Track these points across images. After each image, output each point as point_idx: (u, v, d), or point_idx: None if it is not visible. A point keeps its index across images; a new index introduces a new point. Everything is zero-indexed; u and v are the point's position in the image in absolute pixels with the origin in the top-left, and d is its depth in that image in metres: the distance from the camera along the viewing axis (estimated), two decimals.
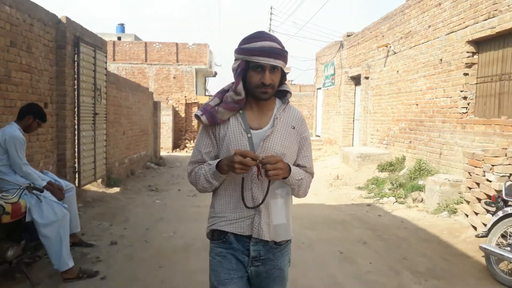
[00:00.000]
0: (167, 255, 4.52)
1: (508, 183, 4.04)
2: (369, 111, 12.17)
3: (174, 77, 26.66)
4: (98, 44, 7.48)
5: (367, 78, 12.34)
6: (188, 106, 19.74)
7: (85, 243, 4.67)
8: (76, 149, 6.47)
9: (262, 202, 1.70)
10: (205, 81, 34.14)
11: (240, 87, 1.70)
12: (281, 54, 1.68)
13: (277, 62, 1.67)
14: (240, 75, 1.71)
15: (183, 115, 19.62)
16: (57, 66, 6.09)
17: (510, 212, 3.81)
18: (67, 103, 6.22)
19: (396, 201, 7.53)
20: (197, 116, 1.77)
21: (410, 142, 9.41)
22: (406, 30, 9.70)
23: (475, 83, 7.31)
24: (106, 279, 3.88)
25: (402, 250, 4.77)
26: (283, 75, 1.77)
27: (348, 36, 14.45)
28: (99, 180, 7.63)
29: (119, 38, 31.79)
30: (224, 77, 49.85)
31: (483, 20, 6.80)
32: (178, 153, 17.72)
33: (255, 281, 1.80)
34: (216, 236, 1.79)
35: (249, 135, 1.74)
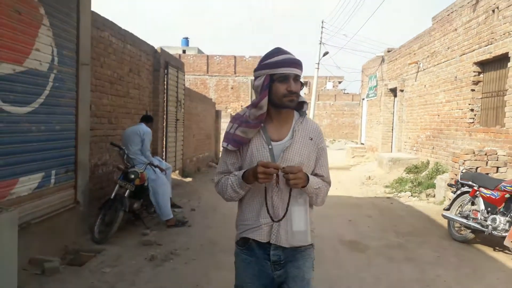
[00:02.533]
0: (229, 217, 6.64)
1: (464, 170, 5.73)
2: (403, 121, 13.69)
3: (232, 88, 29.25)
4: (179, 66, 9.91)
5: (402, 90, 13.88)
6: None
7: (176, 205, 6.95)
8: (164, 146, 8.86)
9: (284, 215, 1.82)
10: None
11: (265, 101, 1.81)
12: (300, 64, 1.84)
13: (298, 72, 1.82)
14: (266, 89, 1.81)
15: None
16: (154, 84, 8.51)
17: (463, 191, 5.51)
18: (159, 111, 8.61)
19: (411, 195, 9.15)
20: (224, 148, 1.92)
21: (433, 148, 10.92)
22: (432, 50, 11.25)
23: (481, 98, 8.81)
24: (192, 227, 6.07)
25: (396, 221, 6.57)
26: (301, 85, 1.89)
27: (389, 51, 16.01)
28: (177, 171, 9.99)
29: (183, 51, 35.05)
30: None
31: (485, 46, 8.35)
32: None
33: (283, 284, 1.90)
34: (241, 242, 1.93)
35: (270, 147, 1.84)
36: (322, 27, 29.85)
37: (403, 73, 13.82)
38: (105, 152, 6.35)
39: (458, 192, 5.61)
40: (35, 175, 4.22)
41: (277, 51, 1.86)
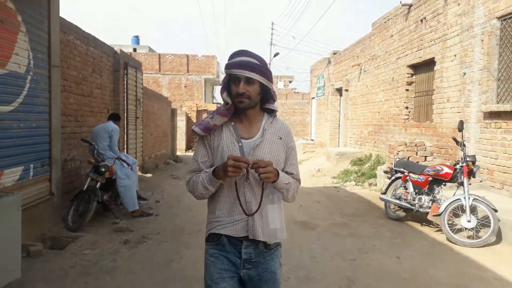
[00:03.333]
0: (193, 206, 7.20)
1: (397, 159, 6.70)
2: (348, 118, 14.82)
3: (185, 86, 29.45)
4: (137, 66, 10.26)
5: (346, 90, 15.01)
6: (199, 112, 22.52)
7: (142, 197, 7.39)
8: (125, 143, 9.20)
9: (258, 209, 1.84)
10: (213, 89, 36.98)
11: (225, 95, 1.89)
12: (257, 68, 1.83)
13: (252, 75, 1.81)
14: (224, 86, 1.90)
15: (194, 120, 22.38)
16: (114, 84, 8.84)
17: (397, 176, 6.45)
18: (120, 109, 8.95)
19: (356, 184, 10.15)
20: (193, 131, 1.96)
21: (375, 142, 12.04)
22: (372, 53, 12.38)
23: (414, 97, 9.96)
24: (159, 216, 6.57)
25: (341, 205, 7.45)
26: (267, 91, 1.92)
27: (334, 53, 17.14)
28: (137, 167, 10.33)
29: (134, 50, 34.61)
30: None
31: (416, 51, 9.47)
32: (190, 153, 20.46)
33: (249, 285, 1.92)
34: (211, 238, 1.93)
35: (240, 144, 1.88)
36: (272, 29, 30.74)
37: (347, 74, 14.93)
38: (73, 148, 6.68)
39: (392, 178, 6.54)
40: (17, 168, 4.57)
41: (238, 52, 1.90)
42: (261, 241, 1.88)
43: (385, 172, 6.92)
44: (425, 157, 7.87)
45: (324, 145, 18.21)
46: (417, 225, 6.03)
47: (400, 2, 9.90)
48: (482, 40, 6.92)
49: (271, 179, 1.78)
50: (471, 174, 5.32)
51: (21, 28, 4.66)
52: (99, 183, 6.00)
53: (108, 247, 4.92)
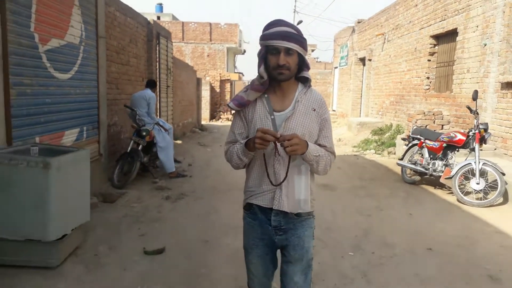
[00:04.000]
0: (222, 170, 7.83)
1: (414, 127, 7.10)
2: (371, 88, 15.04)
3: (208, 55, 29.79)
4: (168, 36, 10.74)
5: (370, 60, 15.15)
6: (222, 82, 22.96)
7: (177, 160, 8.06)
8: (158, 111, 9.82)
9: (284, 179, 1.87)
10: (235, 58, 37.17)
11: (262, 69, 1.87)
12: (295, 38, 1.81)
13: (291, 45, 1.79)
14: (262, 59, 1.87)
15: (218, 90, 22.87)
16: (148, 53, 9.37)
17: (413, 143, 6.86)
18: (153, 78, 9.51)
19: (375, 153, 10.57)
20: (228, 106, 2.01)
21: (396, 112, 12.33)
22: (396, 23, 12.47)
23: (435, 67, 10.17)
24: (192, 177, 7.23)
25: (360, 171, 7.95)
26: (303, 61, 1.89)
27: (359, 22, 17.13)
28: None
29: (158, 18, 34.90)
30: (252, 54, 52.25)
31: (439, 21, 9.61)
32: (214, 123, 21.09)
33: (283, 251, 2.01)
34: (247, 207, 2.04)
35: (272, 117, 1.89)
36: None
37: (371, 44, 15.04)
38: (114, 114, 7.31)
39: (410, 144, 6.97)
40: (74, 130, 5.23)
41: (274, 23, 1.87)
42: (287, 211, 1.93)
43: (403, 139, 7.34)
44: (442, 125, 8.23)
45: (345, 115, 18.48)
46: (430, 188, 6.51)
47: None
48: (504, 12, 7.09)
49: (298, 151, 1.78)
50: (482, 140, 5.71)
51: (75, 1, 5.20)
52: (140, 146, 6.65)
53: (152, 201, 5.60)
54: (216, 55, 29.90)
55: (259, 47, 1.91)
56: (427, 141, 6.51)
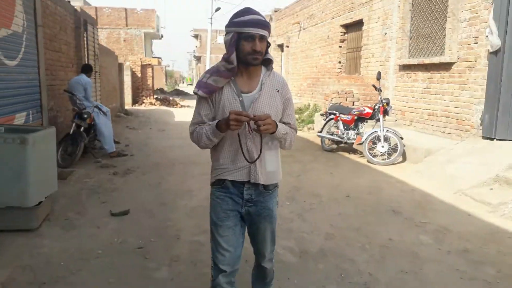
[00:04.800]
0: (160, 149, 8.32)
1: (330, 104, 8.27)
2: (289, 72, 16.25)
3: (124, 40, 29.07)
4: (93, 23, 10.73)
5: (287, 46, 16.32)
6: (143, 67, 22.77)
7: (116, 141, 8.36)
8: None
9: (259, 156, 2.01)
10: (151, 43, 36.54)
11: (234, 56, 1.94)
12: (267, 26, 1.94)
13: (265, 32, 1.93)
14: (234, 45, 1.93)
15: (139, 75, 22.65)
16: (76, 40, 9.39)
17: (330, 118, 8.00)
18: (82, 64, 9.56)
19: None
20: (195, 93, 2.04)
21: (312, 93, 13.63)
22: (310, 12, 13.68)
23: (346, 53, 11.52)
24: (134, 156, 7.64)
25: None
26: (268, 46, 2.01)
27: (276, 11, 18.22)
28: None
29: (68, 2, 32.95)
30: (169, 39, 51.04)
31: (348, 12, 10.91)
32: (137, 107, 20.98)
33: (247, 218, 2.16)
34: (217, 182, 2.14)
35: (240, 98, 2.00)
36: None
37: (288, 31, 16.19)
38: (51, 99, 7.41)
39: (327, 119, 8.10)
40: (22, 113, 5.43)
41: (246, 10, 1.96)
42: (260, 183, 2.08)
43: (322, 114, 8.49)
44: (353, 102, 9.56)
45: None
46: (345, 154, 7.73)
47: None
48: (399, 6, 8.46)
49: (270, 130, 1.92)
50: (385, 112, 6.97)
51: None
52: (82, 128, 6.91)
53: (102, 177, 6.00)
54: (133, 40, 29.28)
55: (224, 35, 2.00)
56: (341, 115, 7.67)
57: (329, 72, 12.25)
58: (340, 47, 11.53)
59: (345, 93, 9.54)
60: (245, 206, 2.13)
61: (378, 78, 7.05)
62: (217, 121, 1.99)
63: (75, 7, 9.44)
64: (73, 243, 3.67)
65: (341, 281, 3.09)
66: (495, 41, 5.87)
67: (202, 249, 3.65)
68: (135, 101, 22.14)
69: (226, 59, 1.97)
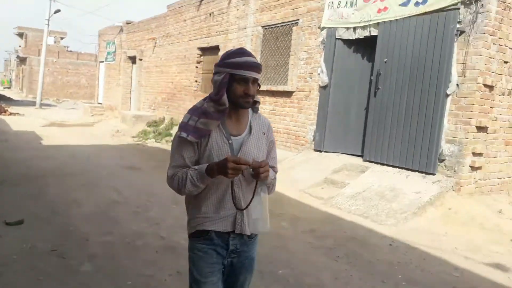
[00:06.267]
0: (17, 160, 8.00)
1: None
2: (142, 85, 16.67)
3: None
4: None
5: (140, 59, 16.73)
6: None
7: None
8: None
9: (250, 203, 1.89)
10: None
11: (225, 98, 1.85)
12: (260, 68, 1.89)
13: (257, 76, 1.88)
14: (225, 86, 1.84)
15: None
16: None
17: None
18: None
19: (155, 141, 12.38)
20: (183, 138, 1.89)
21: (168, 107, 14.42)
22: (167, 31, 14.52)
23: (202, 73, 12.75)
24: None
25: (151, 155, 9.71)
26: (258, 87, 1.95)
27: (128, 23, 18.38)
28: None
29: None
30: None
31: (205, 37, 12.18)
32: None
33: (228, 270, 2.03)
34: (198, 234, 1.97)
35: (230, 141, 1.92)
36: None
37: (141, 45, 16.62)
38: None
39: None
40: None
41: (241, 52, 1.90)
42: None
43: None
44: None
45: (114, 108, 19.42)
46: None
47: None
48: (252, 39, 10.09)
49: (269, 177, 1.88)
50: None
51: None
52: None
53: None
54: None
55: (214, 74, 1.92)
56: None
57: (185, 89, 13.28)
58: (196, 67, 12.70)
59: None
60: (229, 257, 2.01)
61: None
62: (205, 165, 1.85)
63: None
64: None
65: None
66: (325, 79, 7.85)
67: (115, 246, 4.24)
68: None
69: (216, 100, 1.87)
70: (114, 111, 19.24)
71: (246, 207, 1.91)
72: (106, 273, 3.66)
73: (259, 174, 1.81)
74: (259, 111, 2.09)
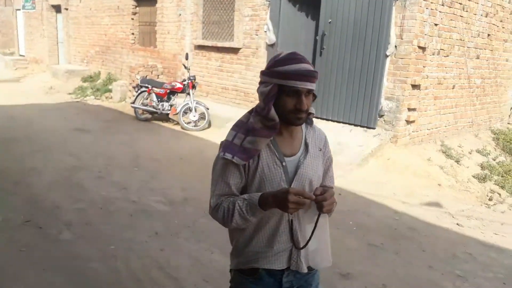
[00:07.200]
0: None
1: (141, 77, 9.21)
2: (71, 37, 15.59)
3: None
4: None
5: (66, 9, 15.50)
6: None
7: None
8: None
9: (309, 239, 1.60)
10: None
11: (273, 112, 1.55)
12: (316, 77, 1.56)
13: (312, 86, 1.56)
14: (272, 100, 1.55)
15: None
16: None
17: (142, 90, 8.94)
18: None
19: (95, 98, 11.94)
20: (228, 160, 1.59)
21: (103, 61, 13.78)
22: None
23: (138, 25, 12.25)
24: None
25: (98, 115, 9.47)
26: (314, 98, 1.63)
27: None
28: None
29: None
30: None
31: None
32: None
33: None
34: (248, 271, 1.69)
35: (284, 164, 1.63)
36: None
37: None
38: None
39: (139, 91, 8.99)
40: None
41: (292, 57, 1.57)
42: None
43: (134, 87, 9.29)
44: (158, 75, 10.62)
45: (40, 61, 18.06)
46: (160, 123, 8.91)
47: None
48: None
49: (333, 209, 1.61)
50: (193, 87, 8.44)
51: None
52: None
53: None
54: None
55: (260, 84, 1.63)
56: (154, 88, 8.73)
57: (121, 42, 12.73)
58: (132, 19, 12.15)
59: (150, 66, 10.50)
60: None
61: (187, 58, 8.42)
62: (257, 195, 1.56)
63: None
64: None
65: (206, 215, 4.50)
66: (272, 37, 8.06)
67: (88, 213, 4.39)
68: None
69: (263, 115, 1.58)
70: (40, 65, 17.91)
71: (306, 244, 1.62)
72: (87, 240, 3.85)
73: (323, 207, 1.54)
74: (313, 123, 1.77)
